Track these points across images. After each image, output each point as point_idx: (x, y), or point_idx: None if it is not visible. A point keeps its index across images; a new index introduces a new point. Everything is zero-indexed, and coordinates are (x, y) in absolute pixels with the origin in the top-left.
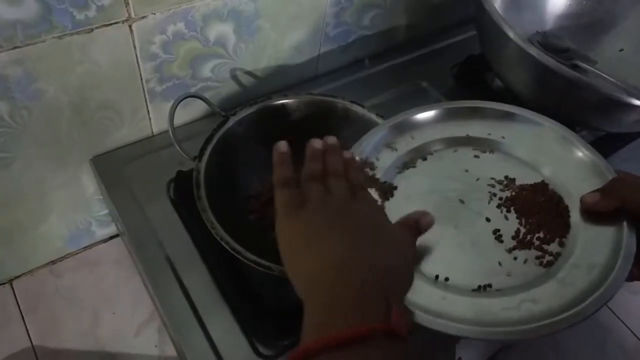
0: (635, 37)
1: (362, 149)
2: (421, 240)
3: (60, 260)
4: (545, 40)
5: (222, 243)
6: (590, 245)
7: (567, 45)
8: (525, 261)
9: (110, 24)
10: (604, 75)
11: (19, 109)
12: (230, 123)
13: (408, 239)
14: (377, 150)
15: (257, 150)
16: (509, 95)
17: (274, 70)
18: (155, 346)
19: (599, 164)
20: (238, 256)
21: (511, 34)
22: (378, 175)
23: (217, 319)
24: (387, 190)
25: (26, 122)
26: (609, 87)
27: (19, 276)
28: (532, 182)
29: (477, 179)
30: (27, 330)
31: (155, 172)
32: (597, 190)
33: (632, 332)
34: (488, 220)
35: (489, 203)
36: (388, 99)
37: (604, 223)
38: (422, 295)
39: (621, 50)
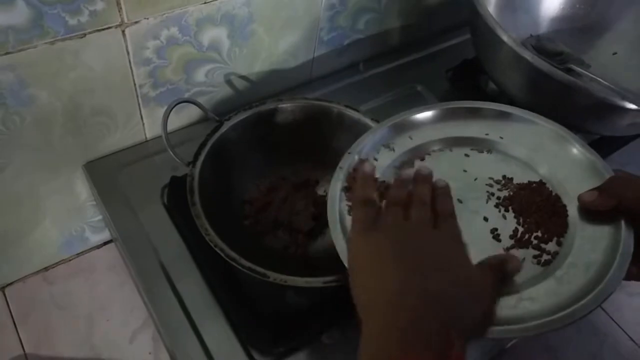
0: (628, 40)
1: (361, 149)
2: None
3: (53, 267)
4: (539, 44)
5: (217, 250)
6: (588, 243)
7: (560, 48)
8: (522, 260)
9: (103, 29)
10: (598, 78)
11: (11, 114)
12: (224, 128)
13: (486, 280)
14: (375, 150)
15: (252, 155)
16: (503, 99)
17: (268, 75)
18: (150, 353)
19: (596, 163)
20: (233, 263)
21: (505, 38)
22: (377, 175)
23: (211, 326)
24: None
25: (19, 128)
26: (603, 90)
27: (12, 283)
28: (529, 182)
29: (475, 179)
30: (20, 339)
31: (149, 177)
32: (595, 188)
33: (628, 336)
34: (486, 219)
35: (486, 202)
36: (383, 103)
37: (602, 222)
38: None
39: (615, 53)
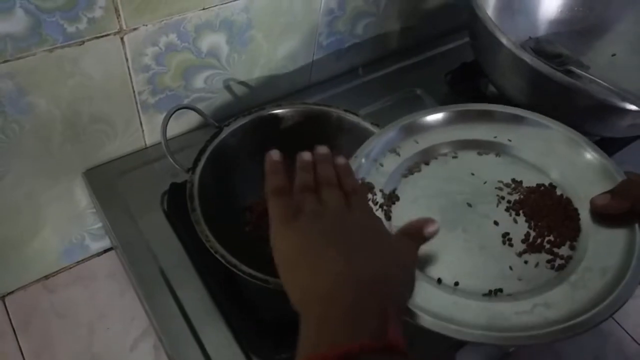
0: (627, 42)
1: (369, 152)
2: (428, 244)
3: (53, 275)
4: (538, 46)
5: (217, 256)
6: (602, 247)
7: (559, 50)
8: (536, 265)
9: (102, 36)
10: (598, 80)
11: (10, 122)
12: (224, 134)
13: (408, 247)
14: (382, 154)
15: (252, 161)
16: (502, 102)
17: (267, 80)
18: None
19: (608, 166)
20: (233, 269)
21: (504, 41)
22: (383, 180)
23: (212, 333)
24: (389, 198)
25: (17, 136)
26: (603, 92)
27: (12, 292)
28: (538, 185)
29: (485, 182)
30: (20, 347)
31: (148, 184)
32: (608, 192)
33: (631, 337)
34: (497, 223)
35: (497, 206)
36: (382, 107)
37: (616, 225)
38: (432, 301)
39: (614, 55)
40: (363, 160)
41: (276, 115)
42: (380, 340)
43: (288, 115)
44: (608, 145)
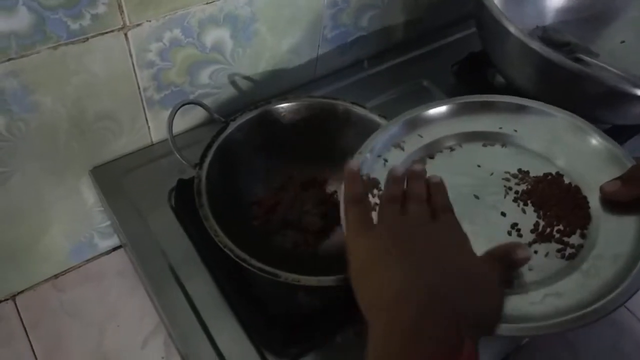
0: (636, 28)
1: (373, 147)
2: None
3: (63, 274)
4: (546, 35)
5: (226, 251)
6: (613, 235)
7: (568, 39)
8: (546, 254)
9: (106, 33)
10: (608, 67)
11: (16, 121)
12: (230, 129)
13: (492, 271)
14: (385, 150)
15: (259, 155)
16: (511, 91)
17: (272, 74)
18: (162, 358)
19: (616, 152)
20: (243, 264)
21: (512, 29)
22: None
23: (223, 329)
24: None
25: (23, 135)
26: (614, 78)
27: (22, 292)
28: (545, 174)
29: (491, 174)
30: (32, 347)
31: (155, 181)
32: (617, 178)
33: None
34: (505, 214)
35: (504, 197)
36: (389, 100)
37: (626, 212)
38: None
39: (623, 42)
40: (368, 155)
41: (282, 109)
42: (452, 354)
43: (294, 109)
44: (619, 133)
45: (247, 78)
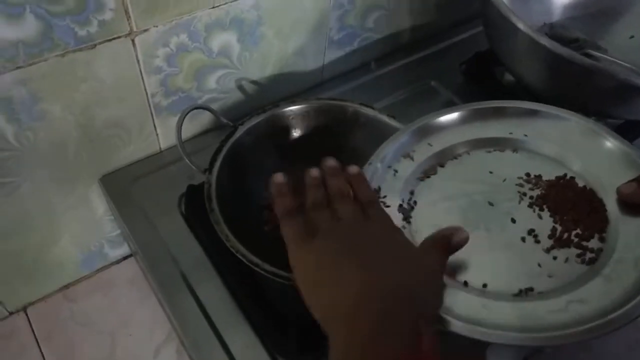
0: None
1: (383, 157)
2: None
3: (73, 284)
4: (553, 32)
5: (239, 255)
6: (633, 237)
7: (576, 35)
8: (565, 260)
9: (113, 39)
10: (618, 61)
11: (25, 130)
12: (239, 133)
13: (434, 258)
14: (396, 161)
15: (268, 159)
16: (520, 89)
17: (279, 78)
18: None
19: (631, 153)
20: (256, 268)
21: (521, 25)
22: (399, 187)
23: (236, 335)
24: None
25: (32, 144)
26: (626, 72)
27: (33, 303)
28: (557, 177)
29: (504, 180)
30: (44, 358)
31: (165, 187)
32: (634, 179)
33: None
34: (520, 221)
35: (519, 203)
36: (397, 101)
37: None
38: (461, 305)
39: (632, 37)
40: (378, 165)
41: (291, 112)
42: (413, 353)
43: (303, 111)
44: (632, 129)
45: (254, 82)
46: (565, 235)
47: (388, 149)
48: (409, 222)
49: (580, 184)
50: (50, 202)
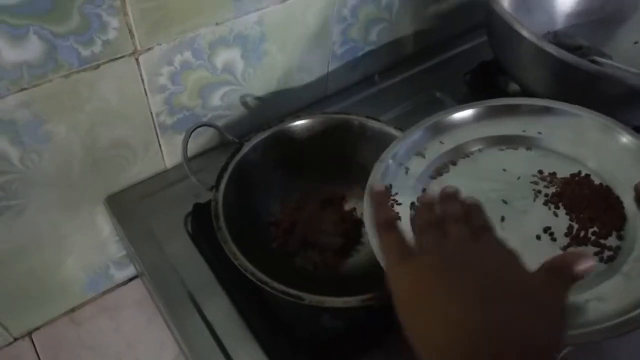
0: None
1: (394, 154)
2: None
3: (79, 307)
4: (557, 40)
5: (247, 274)
6: None
7: (580, 42)
8: None
9: (117, 58)
10: (624, 67)
11: (29, 153)
12: (244, 149)
13: (555, 290)
14: (407, 158)
15: (275, 174)
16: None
17: (284, 93)
18: None
19: None
20: (265, 287)
21: (525, 33)
22: (411, 185)
23: (245, 355)
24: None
25: (37, 166)
26: (633, 77)
27: (39, 327)
28: (572, 175)
29: (518, 178)
30: None
31: (171, 207)
32: None
33: None
34: (536, 218)
35: (534, 201)
36: (402, 113)
37: None
38: None
39: (636, 42)
40: (390, 161)
41: (296, 127)
42: None
43: (308, 126)
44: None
45: (258, 98)
46: (582, 233)
47: (400, 147)
48: None
49: (596, 181)
50: (55, 224)
